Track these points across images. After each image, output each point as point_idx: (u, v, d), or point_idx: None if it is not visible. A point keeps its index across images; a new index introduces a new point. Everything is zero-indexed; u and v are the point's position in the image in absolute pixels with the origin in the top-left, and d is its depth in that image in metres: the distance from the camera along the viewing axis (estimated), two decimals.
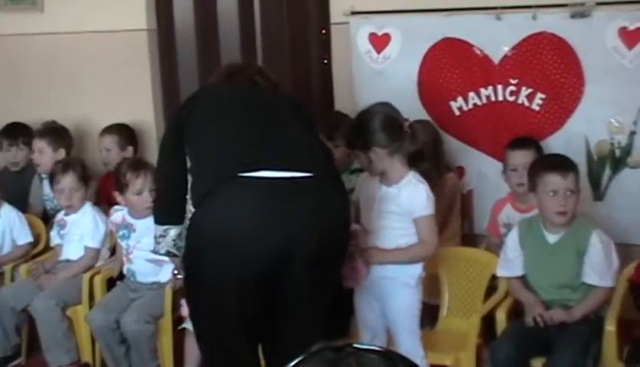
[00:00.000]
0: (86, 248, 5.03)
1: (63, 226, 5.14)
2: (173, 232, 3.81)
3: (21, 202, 5.52)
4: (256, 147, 3.56)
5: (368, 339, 4.05)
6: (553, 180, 4.07)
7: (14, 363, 5.04)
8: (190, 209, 3.59)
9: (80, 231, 5.06)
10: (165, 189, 3.91)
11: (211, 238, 3.48)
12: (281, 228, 3.45)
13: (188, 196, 3.66)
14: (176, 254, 3.87)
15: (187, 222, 3.65)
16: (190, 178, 3.64)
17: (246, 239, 3.43)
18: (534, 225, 4.20)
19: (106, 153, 5.60)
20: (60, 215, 5.19)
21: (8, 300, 4.97)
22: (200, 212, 3.51)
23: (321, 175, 3.53)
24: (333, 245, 3.59)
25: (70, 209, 5.07)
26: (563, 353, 3.93)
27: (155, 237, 3.88)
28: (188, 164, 3.68)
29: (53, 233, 5.22)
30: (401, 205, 3.95)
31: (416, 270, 4.02)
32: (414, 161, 4.35)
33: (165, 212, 3.87)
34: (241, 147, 3.57)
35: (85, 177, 5.11)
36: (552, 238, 4.15)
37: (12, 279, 5.23)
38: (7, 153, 5.88)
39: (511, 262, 4.24)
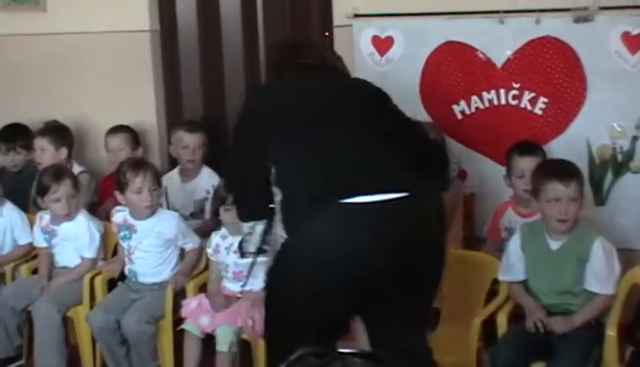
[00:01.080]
0: (84, 258, 5.01)
1: (52, 234, 5.04)
2: (260, 227, 3.68)
3: (19, 202, 5.48)
4: (349, 168, 3.42)
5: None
6: (555, 188, 4.06)
7: (17, 364, 5.03)
8: (281, 233, 3.45)
9: (74, 243, 5.00)
10: (246, 187, 3.73)
11: (312, 267, 3.38)
12: (379, 255, 3.36)
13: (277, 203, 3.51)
14: (266, 250, 3.73)
15: (277, 245, 3.51)
16: (278, 191, 3.49)
17: (350, 268, 3.34)
18: (537, 231, 4.19)
19: (115, 153, 5.55)
20: (45, 221, 5.07)
21: (8, 299, 4.96)
22: (299, 240, 3.40)
23: (415, 193, 3.40)
24: (431, 267, 3.52)
25: (68, 217, 4.96)
26: (563, 358, 3.92)
27: (244, 235, 3.77)
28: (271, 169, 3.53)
29: (38, 235, 5.13)
30: None
31: None
32: None
33: (249, 209, 3.74)
34: (334, 168, 3.42)
35: (77, 183, 5.05)
36: (554, 244, 4.14)
37: (13, 279, 5.22)
38: (5, 157, 5.85)
39: (512, 267, 4.23)
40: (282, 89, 3.74)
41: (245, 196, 3.77)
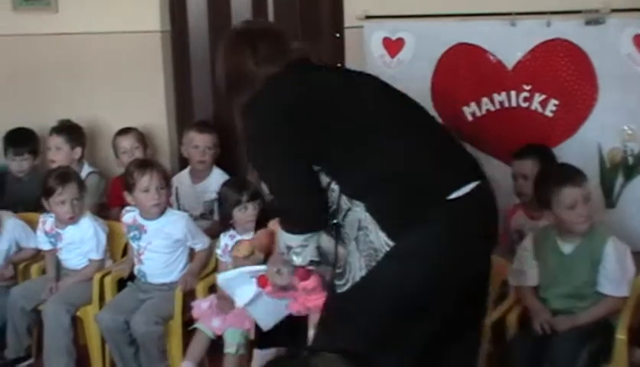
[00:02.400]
0: (92, 260, 5.02)
1: (57, 238, 5.04)
2: (315, 238, 3.34)
3: (24, 208, 5.48)
4: (438, 160, 3.22)
5: None
6: (571, 193, 4.03)
7: (26, 364, 5.04)
8: (383, 237, 3.11)
9: (80, 247, 5.01)
10: (304, 193, 3.30)
11: (437, 271, 3.11)
12: (486, 254, 3.32)
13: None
14: (319, 262, 3.41)
15: (380, 253, 3.13)
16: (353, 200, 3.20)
17: (464, 271, 3.18)
18: (548, 236, 4.18)
19: (130, 153, 5.54)
20: (49, 225, 5.06)
21: (18, 300, 4.97)
22: (415, 242, 3.09)
23: (486, 180, 3.29)
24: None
25: (71, 220, 4.97)
26: (562, 345, 3.93)
27: (290, 248, 3.38)
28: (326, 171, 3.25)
29: (42, 239, 5.11)
30: None
31: None
32: None
33: (305, 221, 3.35)
34: (425, 162, 3.20)
35: (83, 186, 5.05)
36: (567, 248, 4.12)
37: (24, 279, 5.23)
38: (12, 162, 5.80)
39: (524, 273, 4.20)
40: (322, 80, 3.44)
41: (304, 205, 3.34)
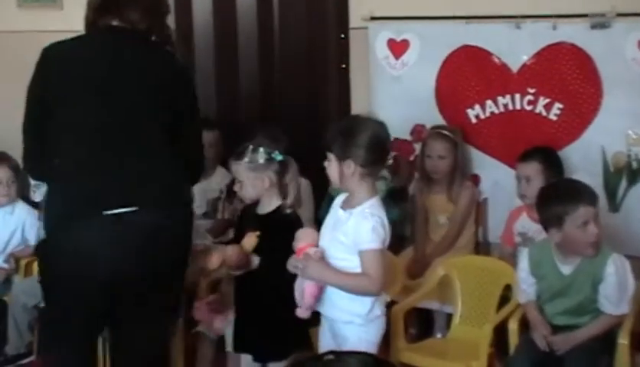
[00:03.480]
0: None
1: None
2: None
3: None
4: (109, 175, 3.44)
5: None
6: (587, 211, 3.84)
7: (27, 360, 5.03)
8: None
9: None
10: (26, 138, 3.69)
11: (65, 269, 3.47)
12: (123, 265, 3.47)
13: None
14: None
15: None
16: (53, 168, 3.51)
17: (97, 274, 3.44)
18: (545, 256, 4.05)
19: None
20: None
21: (20, 297, 4.98)
22: (59, 240, 3.47)
23: (149, 208, 3.45)
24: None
25: None
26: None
27: (31, 186, 3.90)
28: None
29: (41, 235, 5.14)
30: (347, 234, 3.54)
31: (363, 308, 3.58)
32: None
33: (25, 162, 3.74)
34: (102, 175, 3.43)
35: None
36: (566, 269, 3.99)
37: (26, 276, 5.21)
38: None
39: (524, 291, 4.14)
40: (76, 58, 3.74)
41: (26, 148, 3.68)
